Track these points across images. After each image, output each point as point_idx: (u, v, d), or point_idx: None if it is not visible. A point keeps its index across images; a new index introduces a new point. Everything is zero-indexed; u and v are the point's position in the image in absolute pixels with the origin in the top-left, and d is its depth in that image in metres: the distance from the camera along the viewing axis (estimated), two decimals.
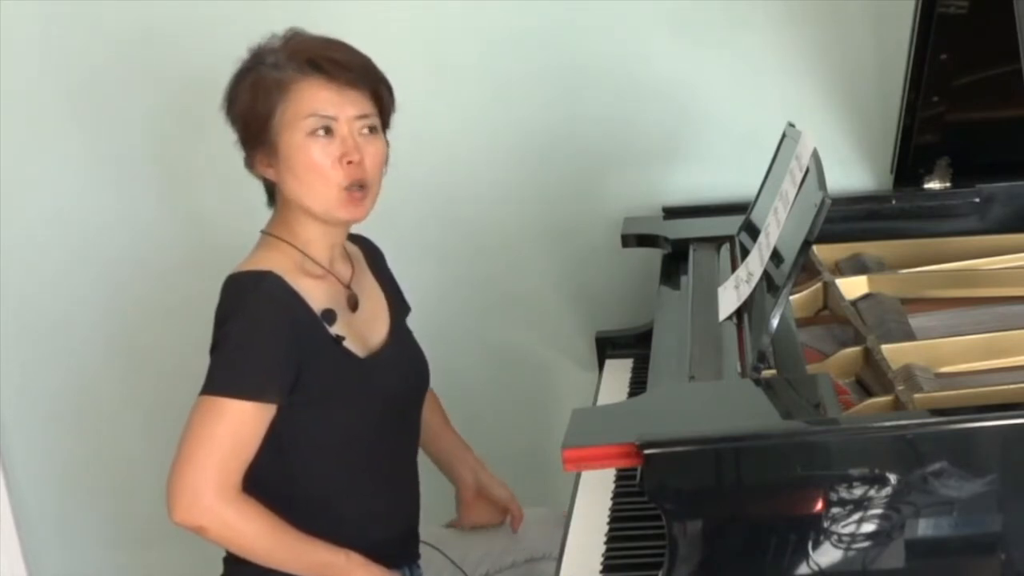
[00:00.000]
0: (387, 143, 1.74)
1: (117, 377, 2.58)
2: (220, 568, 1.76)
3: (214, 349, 1.65)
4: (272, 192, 1.77)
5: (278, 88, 1.66)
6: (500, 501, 1.98)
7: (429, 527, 1.91)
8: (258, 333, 1.62)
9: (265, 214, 1.78)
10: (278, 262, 1.68)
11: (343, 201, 1.68)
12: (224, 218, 2.42)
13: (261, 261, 1.69)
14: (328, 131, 1.66)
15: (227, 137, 1.74)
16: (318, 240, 1.73)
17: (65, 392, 2.59)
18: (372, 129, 1.71)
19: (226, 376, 1.61)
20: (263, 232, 1.76)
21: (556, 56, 2.36)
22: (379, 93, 1.72)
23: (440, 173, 2.40)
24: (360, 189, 1.68)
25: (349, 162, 1.66)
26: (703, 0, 2.31)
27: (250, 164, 1.73)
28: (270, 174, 1.71)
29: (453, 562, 1.91)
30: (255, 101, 1.67)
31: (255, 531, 1.62)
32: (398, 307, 1.88)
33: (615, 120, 2.38)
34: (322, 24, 1.74)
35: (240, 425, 1.60)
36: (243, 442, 1.61)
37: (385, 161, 1.73)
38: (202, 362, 1.67)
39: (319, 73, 1.66)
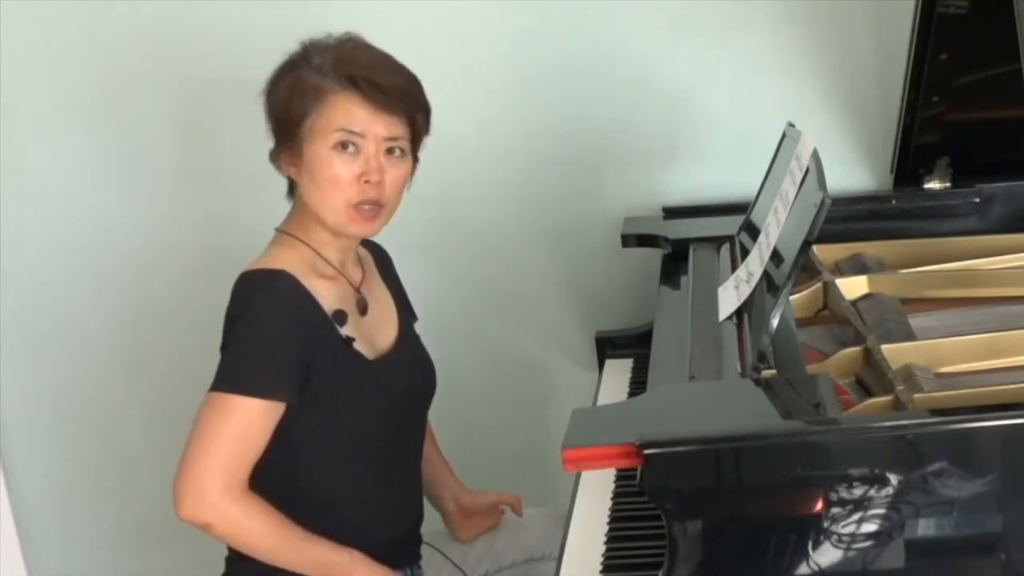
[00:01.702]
0: (415, 163, 1.75)
1: (118, 377, 2.58)
2: (221, 568, 1.77)
3: (225, 346, 1.66)
4: (293, 187, 1.77)
5: (314, 94, 1.66)
6: (490, 507, 1.99)
7: (429, 527, 1.91)
8: (269, 331, 1.63)
9: (272, 216, 1.78)
10: (291, 261, 1.68)
11: (353, 217, 1.68)
12: (230, 219, 2.42)
13: (274, 259, 1.69)
14: (354, 147, 1.67)
15: (235, 138, 1.73)
16: (331, 243, 1.73)
17: (66, 392, 2.59)
18: (400, 151, 1.71)
19: (236, 373, 1.61)
20: (278, 230, 1.76)
21: (556, 56, 2.36)
22: (414, 118, 1.72)
23: (440, 174, 2.38)
24: (373, 207, 1.69)
25: (367, 181, 1.67)
26: (703, 0, 2.31)
27: (275, 159, 1.73)
28: (292, 172, 1.72)
29: (453, 562, 1.91)
30: (290, 101, 1.67)
31: (260, 529, 1.62)
32: (406, 312, 1.89)
33: (615, 120, 2.39)
34: (324, 25, 1.74)
35: (248, 423, 1.60)
36: (251, 440, 1.61)
37: (407, 182, 1.74)
38: (205, 362, 1.67)
39: (356, 90, 1.66)
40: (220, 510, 1.59)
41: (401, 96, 1.69)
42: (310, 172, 1.68)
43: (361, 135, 1.66)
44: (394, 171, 1.70)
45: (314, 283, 1.68)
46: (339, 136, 1.66)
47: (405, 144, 1.72)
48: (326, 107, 1.66)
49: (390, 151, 1.70)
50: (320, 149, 1.66)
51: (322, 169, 1.67)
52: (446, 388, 1.92)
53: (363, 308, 1.77)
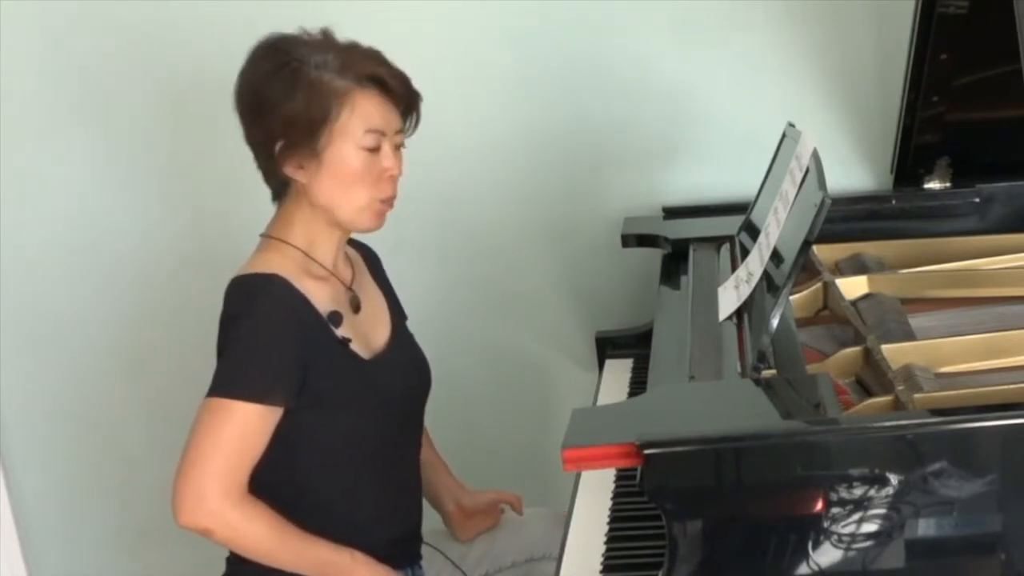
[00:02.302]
0: None
1: (119, 378, 2.58)
2: (221, 568, 1.77)
3: (221, 351, 1.65)
4: (279, 191, 1.75)
5: (335, 96, 1.64)
6: (489, 506, 1.98)
7: (428, 527, 1.91)
8: (265, 335, 1.62)
9: (269, 217, 1.78)
10: (282, 265, 1.68)
11: (375, 213, 1.70)
12: (228, 220, 2.42)
13: (265, 264, 1.68)
14: (378, 145, 1.68)
15: (235, 137, 1.72)
16: (326, 241, 1.73)
17: (66, 392, 2.59)
18: (402, 143, 1.73)
19: (233, 378, 1.61)
20: (263, 235, 1.75)
21: (556, 56, 2.36)
22: (413, 109, 1.73)
23: (440, 174, 2.40)
24: (390, 201, 1.71)
25: (390, 176, 1.69)
26: (703, 0, 2.31)
27: (279, 162, 1.68)
28: (299, 175, 1.68)
29: (453, 562, 1.91)
30: (309, 105, 1.64)
31: (260, 532, 1.62)
32: (398, 311, 1.89)
33: (615, 120, 2.39)
34: (325, 25, 1.74)
35: (246, 427, 1.60)
36: (249, 444, 1.61)
37: None
38: (205, 363, 1.66)
39: (380, 89, 1.67)
40: (219, 515, 1.59)
41: (408, 87, 1.71)
42: (331, 172, 1.66)
43: (383, 133, 1.68)
44: (399, 163, 1.72)
45: (307, 285, 1.68)
46: (369, 137, 1.66)
47: (404, 136, 1.74)
48: (351, 109, 1.65)
49: (399, 143, 1.72)
50: (346, 150, 1.66)
51: (348, 168, 1.66)
52: (446, 388, 1.93)
53: (356, 306, 1.77)
